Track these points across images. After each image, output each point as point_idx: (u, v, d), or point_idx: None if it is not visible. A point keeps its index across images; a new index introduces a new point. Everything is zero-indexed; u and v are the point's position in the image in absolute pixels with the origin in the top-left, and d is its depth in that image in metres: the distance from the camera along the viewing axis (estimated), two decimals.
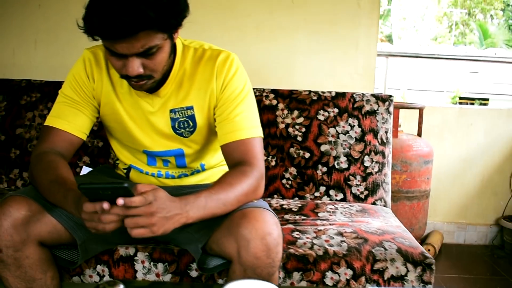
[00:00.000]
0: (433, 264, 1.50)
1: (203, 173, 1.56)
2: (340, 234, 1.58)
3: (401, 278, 1.49)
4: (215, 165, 1.58)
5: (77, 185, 1.04)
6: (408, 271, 1.49)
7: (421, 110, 2.59)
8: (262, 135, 1.39)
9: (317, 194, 2.00)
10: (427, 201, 2.56)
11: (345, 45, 2.25)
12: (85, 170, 1.91)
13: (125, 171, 1.54)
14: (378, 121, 2.02)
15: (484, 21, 19.50)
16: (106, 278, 1.46)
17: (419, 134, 2.62)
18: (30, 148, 2.05)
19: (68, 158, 1.36)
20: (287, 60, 2.22)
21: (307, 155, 2.00)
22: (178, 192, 1.47)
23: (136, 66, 1.20)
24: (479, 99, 15.61)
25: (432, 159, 2.53)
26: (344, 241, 1.53)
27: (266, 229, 1.20)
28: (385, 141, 2.03)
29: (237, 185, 1.24)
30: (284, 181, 1.99)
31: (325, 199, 2.00)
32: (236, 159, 1.34)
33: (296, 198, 1.99)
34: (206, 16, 2.16)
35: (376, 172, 2.00)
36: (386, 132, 2.03)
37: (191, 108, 1.40)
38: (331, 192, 1.99)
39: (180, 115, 1.40)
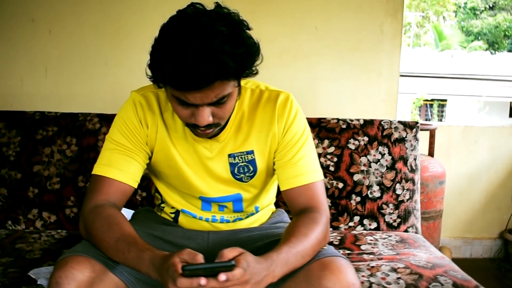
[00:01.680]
0: None
1: (256, 215, 1.52)
2: (394, 270, 1.57)
3: None
4: (266, 205, 1.55)
5: (181, 267, 0.97)
6: None
7: (432, 131, 2.63)
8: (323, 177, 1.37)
9: (351, 224, 1.99)
10: (441, 220, 2.60)
11: (368, 71, 2.25)
12: (125, 212, 1.83)
13: (172, 215, 1.48)
14: (407, 148, 2.03)
15: (437, 22, 20.08)
16: None
17: (431, 154, 2.65)
18: (50, 186, 1.95)
19: (121, 208, 1.29)
20: (310, 87, 2.21)
21: (340, 185, 1.99)
22: (233, 236, 1.44)
23: (206, 116, 1.15)
24: (438, 100, 16.10)
25: (445, 179, 2.57)
26: (400, 278, 1.52)
27: (350, 280, 1.17)
28: (414, 168, 2.04)
29: (311, 235, 1.21)
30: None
31: (359, 228, 1.99)
32: (302, 205, 1.31)
33: (331, 229, 1.97)
34: None
35: (407, 200, 2.01)
36: (415, 159, 2.04)
37: (251, 152, 1.36)
38: (365, 221, 1.99)
39: (239, 160, 1.36)
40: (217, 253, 1.39)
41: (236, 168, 1.36)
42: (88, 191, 1.28)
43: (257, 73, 1.16)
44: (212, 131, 1.22)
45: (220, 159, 1.35)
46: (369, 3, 2.18)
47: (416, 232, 2.02)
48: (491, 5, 20.31)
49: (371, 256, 1.69)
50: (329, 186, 1.98)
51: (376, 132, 2.03)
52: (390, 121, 2.05)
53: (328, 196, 1.97)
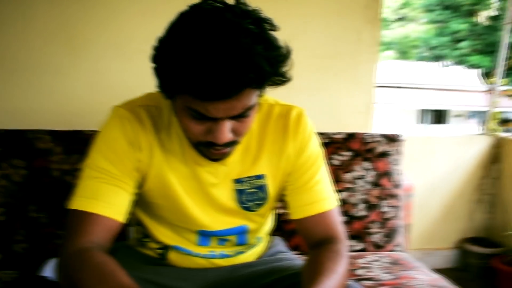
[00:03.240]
0: None
1: (257, 246, 1.34)
2: None
3: None
4: (266, 234, 1.38)
5: None
6: None
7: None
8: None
9: None
10: (408, 234, 2.53)
11: (346, 81, 2.13)
12: None
13: (159, 251, 1.25)
14: (390, 163, 1.93)
15: None
16: None
17: None
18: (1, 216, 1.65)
19: (107, 249, 1.06)
20: (285, 97, 2.06)
21: None
22: (234, 273, 1.25)
23: (227, 131, 0.96)
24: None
25: (413, 192, 2.51)
26: None
27: None
28: (397, 183, 1.94)
29: (338, 269, 1.05)
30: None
31: None
32: (321, 235, 1.16)
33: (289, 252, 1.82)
34: None
35: (393, 218, 1.91)
36: (398, 174, 1.95)
37: (262, 177, 1.18)
38: (352, 242, 1.86)
39: (248, 186, 1.17)
40: None
41: (244, 196, 1.17)
42: (68, 230, 1.02)
43: (290, 80, 0.97)
44: (229, 150, 1.04)
45: (225, 186, 1.16)
46: (347, 10, 2.06)
47: (402, 251, 1.93)
48: (400, 17, 21.30)
49: (372, 282, 1.57)
50: None
51: (359, 147, 1.91)
52: (372, 134, 1.94)
53: None
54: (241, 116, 0.95)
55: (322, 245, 1.13)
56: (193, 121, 0.96)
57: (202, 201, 1.16)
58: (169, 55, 0.89)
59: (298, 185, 1.18)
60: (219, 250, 1.24)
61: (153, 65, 0.95)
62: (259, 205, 1.20)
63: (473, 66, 18.54)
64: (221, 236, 1.21)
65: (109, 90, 1.91)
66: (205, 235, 1.20)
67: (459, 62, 19.01)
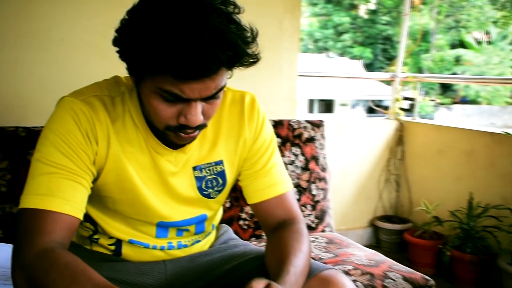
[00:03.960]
0: (434, 285, 1.55)
1: (211, 235, 1.33)
2: (347, 273, 1.52)
3: None
4: (218, 222, 1.38)
5: None
6: None
7: None
8: None
9: None
10: None
11: (270, 69, 2.17)
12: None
13: (112, 247, 1.21)
14: (317, 147, 2.00)
15: None
16: None
17: None
18: None
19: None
20: None
21: None
22: (192, 263, 1.25)
23: (200, 113, 0.96)
24: None
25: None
26: (356, 281, 1.48)
27: None
28: (325, 166, 2.02)
29: (305, 249, 1.10)
30: (241, 222, 1.83)
31: None
32: (281, 217, 1.19)
33: (253, 239, 1.85)
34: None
35: (322, 200, 1.99)
36: (324, 158, 2.03)
37: (220, 163, 1.17)
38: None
39: (207, 173, 1.17)
40: (177, 285, 1.20)
41: (203, 183, 1.17)
42: (24, 231, 0.95)
43: (259, 60, 0.98)
44: (197, 134, 1.03)
45: (184, 174, 1.14)
46: (267, 0, 2.09)
47: (332, 231, 2.01)
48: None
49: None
50: None
51: (287, 133, 1.96)
52: (299, 121, 2.00)
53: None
54: (212, 97, 0.95)
55: (283, 227, 1.16)
56: (164, 104, 0.94)
57: (162, 191, 1.13)
58: (143, 35, 0.87)
59: (255, 169, 1.20)
60: (176, 241, 1.22)
61: (119, 47, 0.94)
62: (219, 192, 1.19)
63: (355, 57, 19.57)
64: (180, 227, 1.19)
65: (24, 82, 1.79)
66: (164, 227, 1.18)
67: (342, 54, 19.96)
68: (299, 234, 1.13)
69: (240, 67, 0.96)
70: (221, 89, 0.96)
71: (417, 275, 1.55)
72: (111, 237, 1.19)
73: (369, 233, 3.20)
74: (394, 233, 3.07)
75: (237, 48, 0.88)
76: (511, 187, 2.44)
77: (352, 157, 3.04)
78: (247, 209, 1.85)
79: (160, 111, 0.95)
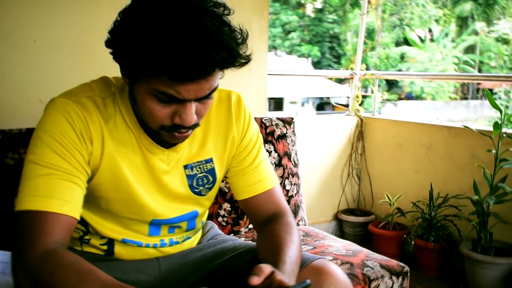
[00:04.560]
0: (408, 271, 1.63)
1: (200, 231, 1.36)
2: None
3: None
4: (205, 218, 1.41)
5: None
6: (393, 283, 1.58)
7: None
8: None
9: (250, 226, 1.93)
10: None
11: (240, 68, 2.19)
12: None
13: (104, 247, 1.21)
14: (289, 144, 2.05)
15: None
16: None
17: None
18: None
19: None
20: None
21: None
22: (185, 259, 1.28)
23: (194, 113, 0.98)
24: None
25: None
26: None
27: (346, 280, 1.15)
28: (297, 162, 2.08)
29: (295, 240, 1.14)
30: (220, 219, 1.86)
31: None
32: (270, 212, 1.23)
33: (232, 235, 1.88)
34: None
35: (295, 194, 2.04)
36: (296, 154, 2.08)
37: (210, 161, 1.20)
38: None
39: (198, 171, 1.19)
40: (170, 282, 1.23)
41: (194, 181, 1.19)
42: (25, 233, 0.95)
43: (250, 61, 1.01)
44: (190, 133, 1.05)
45: (176, 172, 1.16)
46: (236, 1, 2.12)
47: (305, 225, 2.07)
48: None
49: None
50: (226, 190, 1.88)
51: (260, 131, 1.99)
52: (271, 118, 2.05)
53: (227, 201, 1.87)
54: (206, 97, 0.98)
55: (273, 220, 1.20)
56: (158, 105, 0.96)
57: (154, 190, 1.15)
58: (138, 38, 0.89)
59: (243, 166, 1.23)
60: (168, 238, 1.24)
61: (112, 49, 0.95)
62: (209, 189, 1.22)
63: (303, 55, 19.85)
64: (172, 224, 1.21)
65: None
66: (157, 225, 1.19)
67: (290, 52, 20.19)
68: (289, 226, 1.17)
69: (232, 68, 0.99)
70: (215, 89, 0.98)
71: (393, 262, 1.63)
72: (102, 237, 1.20)
73: (334, 226, 3.29)
74: (357, 225, 3.17)
75: (231, 50, 0.91)
76: (469, 178, 2.57)
77: (315, 154, 3.12)
78: (225, 206, 1.87)
79: (155, 111, 0.97)
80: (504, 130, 2.34)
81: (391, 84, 18.87)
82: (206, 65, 0.89)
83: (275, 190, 1.25)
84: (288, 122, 2.08)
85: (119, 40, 0.93)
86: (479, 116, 18.91)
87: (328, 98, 18.14)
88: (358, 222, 3.16)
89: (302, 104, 19.94)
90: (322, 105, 19.51)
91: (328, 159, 3.20)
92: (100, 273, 0.91)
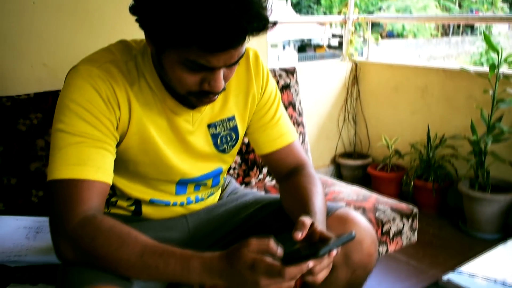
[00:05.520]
0: (417, 213, 1.70)
1: (221, 186, 1.40)
2: None
3: (400, 233, 1.65)
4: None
5: (280, 258, 0.85)
6: (403, 224, 1.65)
7: None
8: None
9: (260, 176, 1.97)
10: None
11: None
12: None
13: (132, 208, 1.24)
14: (293, 94, 2.07)
15: None
16: None
17: None
18: None
19: None
20: None
21: (246, 140, 1.93)
22: (210, 214, 1.32)
23: (222, 80, 0.99)
24: None
25: None
26: None
27: (369, 226, 1.20)
28: (301, 111, 2.10)
29: (319, 190, 1.18)
30: (231, 171, 1.90)
31: (268, 179, 1.99)
32: (293, 165, 1.27)
33: (244, 186, 1.93)
34: None
35: (301, 143, 2.08)
36: (300, 103, 2.10)
37: (232, 118, 1.22)
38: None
39: (221, 129, 1.21)
40: (198, 237, 1.27)
41: (218, 139, 1.21)
42: (62, 202, 0.96)
43: (275, 25, 1.01)
44: (217, 97, 1.06)
45: (200, 132, 1.18)
46: None
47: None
48: None
49: None
50: None
51: None
52: (274, 69, 2.05)
53: (238, 153, 1.90)
54: (234, 64, 0.98)
55: (295, 173, 1.23)
56: (187, 73, 0.96)
57: (181, 150, 1.16)
58: (167, 7, 0.87)
59: (265, 122, 1.25)
60: (194, 195, 1.27)
61: (138, 16, 0.93)
62: (232, 146, 1.24)
63: None
64: (198, 182, 1.24)
65: None
66: (183, 184, 1.22)
67: None
68: (311, 177, 1.21)
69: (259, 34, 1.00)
70: (243, 55, 0.98)
71: (403, 205, 1.70)
72: (130, 199, 1.22)
73: (332, 170, 3.36)
74: (355, 168, 3.24)
75: (261, 18, 0.90)
76: (465, 119, 2.63)
77: (311, 100, 3.13)
78: (236, 158, 1.91)
79: (184, 79, 0.97)
80: (501, 70, 2.37)
81: (372, 24, 18.72)
82: (238, 36, 0.88)
83: (295, 144, 1.28)
84: (291, 72, 2.09)
85: (147, 9, 0.90)
86: (460, 52, 18.95)
87: (309, 40, 17.99)
88: (356, 165, 3.23)
89: (283, 47, 19.74)
90: (304, 47, 19.33)
91: (324, 105, 3.22)
92: (140, 235, 0.94)
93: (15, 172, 1.51)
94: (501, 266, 1.32)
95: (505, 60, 2.36)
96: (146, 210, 1.24)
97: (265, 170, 1.98)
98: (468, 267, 1.29)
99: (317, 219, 1.04)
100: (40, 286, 1.26)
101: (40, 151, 1.54)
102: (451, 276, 1.26)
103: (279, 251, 0.86)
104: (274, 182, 1.98)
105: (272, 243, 0.87)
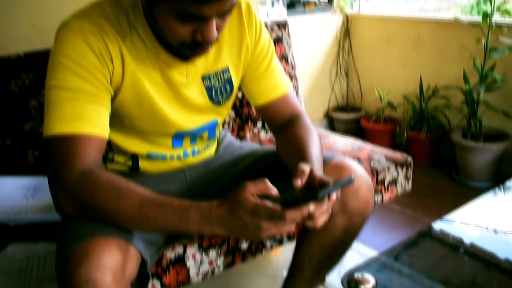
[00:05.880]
0: (411, 161, 1.72)
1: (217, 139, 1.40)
2: None
3: (394, 182, 1.68)
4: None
5: (279, 201, 0.86)
6: (398, 173, 1.67)
7: None
8: None
9: (255, 130, 1.97)
10: None
11: None
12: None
13: (129, 163, 1.25)
14: (285, 47, 2.05)
15: None
16: None
17: None
18: None
19: None
20: None
21: (240, 94, 1.93)
22: (207, 168, 1.34)
23: (215, 29, 0.97)
24: None
25: None
26: None
27: (365, 173, 1.22)
28: (293, 65, 2.09)
29: (316, 139, 1.20)
30: (226, 126, 1.90)
31: (263, 133, 1.99)
32: (288, 115, 1.27)
33: (239, 140, 1.93)
34: None
35: None
36: (292, 56, 2.09)
37: (227, 70, 1.21)
38: (266, 125, 2.00)
39: (216, 81, 1.20)
40: (196, 190, 1.29)
41: (213, 91, 1.20)
42: (59, 157, 0.97)
43: None
44: (210, 47, 1.05)
45: (195, 84, 1.17)
46: None
47: None
48: None
49: None
50: None
51: None
52: (266, 23, 2.02)
53: (232, 108, 1.90)
54: (226, 13, 0.97)
55: (291, 123, 1.24)
56: (180, 24, 0.95)
57: (175, 103, 1.16)
58: None
59: (259, 72, 1.25)
60: (191, 149, 1.28)
61: None
62: (227, 98, 1.24)
63: None
64: (194, 134, 1.24)
65: None
66: (179, 136, 1.22)
67: None
68: (307, 127, 1.22)
69: None
70: (234, 4, 0.97)
71: (397, 154, 1.71)
72: (126, 153, 1.23)
73: (325, 124, 3.37)
74: (348, 122, 3.25)
75: None
76: (457, 69, 2.63)
77: (303, 55, 3.11)
78: (230, 112, 1.90)
79: (176, 30, 0.96)
80: (493, 19, 2.36)
81: None
82: None
83: (290, 94, 1.28)
84: (283, 25, 2.06)
85: None
86: (451, 4, 18.74)
87: None
88: (349, 119, 3.24)
89: (272, 4, 19.39)
90: (293, 4, 18.99)
91: (316, 59, 3.20)
92: (138, 188, 0.94)
93: (10, 133, 1.50)
94: (492, 214, 1.35)
95: (498, 8, 2.34)
96: (143, 164, 1.25)
97: (259, 124, 1.98)
98: (459, 215, 1.32)
99: (314, 167, 1.05)
100: (41, 243, 1.27)
101: (34, 111, 1.53)
102: (441, 224, 1.29)
103: (275, 190, 0.88)
104: (269, 135, 1.99)
105: (268, 183, 0.88)
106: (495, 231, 1.26)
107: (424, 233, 1.29)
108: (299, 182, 0.91)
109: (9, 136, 1.50)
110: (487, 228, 1.27)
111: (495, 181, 2.52)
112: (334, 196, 0.88)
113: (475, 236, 1.25)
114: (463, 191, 2.49)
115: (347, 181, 0.87)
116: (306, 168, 0.94)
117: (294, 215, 0.84)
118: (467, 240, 1.24)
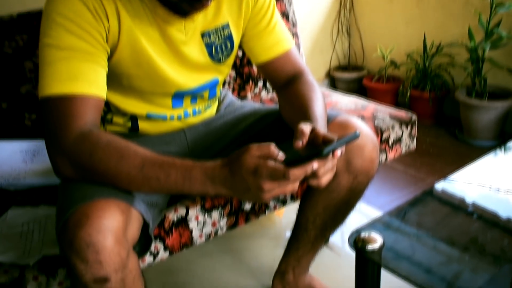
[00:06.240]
0: (416, 120, 1.69)
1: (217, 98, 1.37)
2: None
3: (399, 140, 1.65)
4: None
5: (283, 161, 0.83)
6: (402, 132, 1.65)
7: None
8: None
9: (256, 90, 1.94)
10: None
11: None
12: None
13: (128, 124, 1.22)
14: (286, 3, 1.99)
15: None
16: (161, 253, 1.23)
17: None
18: None
19: None
20: None
21: (240, 53, 1.88)
22: (208, 128, 1.30)
23: None
24: None
25: None
26: None
27: (369, 131, 1.19)
28: (295, 22, 2.03)
29: (319, 96, 1.16)
30: (226, 86, 1.86)
31: (264, 93, 1.96)
32: (291, 72, 1.23)
33: (239, 99, 1.90)
34: None
35: None
36: (293, 13, 2.03)
37: (227, 26, 1.17)
38: (268, 85, 1.96)
39: (216, 38, 1.16)
40: (197, 151, 1.26)
41: (213, 49, 1.16)
42: (56, 118, 0.93)
43: None
44: (210, 2, 1.01)
45: (194, 42, 1.13)
46: None
47: None
48: None
49: None
50: None
51: None
52: None
53: (232, 67, 1.86)
54: None
55: (294, 81, 1.20)
56: None
57: (175, 61, 1.12)
58: None
59: (260, 28, 1.20)
60: (191, 108, 1.25)
61: None
62: (228, 56, 1.20)
63: None
64: (195, 93, 1.21)
65: None
66: (179, 96, 1.19)
67: None
68: (310, 84, 1.18)
69: None
70: None
71: (402, 112, 1.68)
72: (125, 114, 1.20)
73: (326, 84, 3.32)
74: (350, 81, 3.20)
75: None
76: (462, 26, 2.56)
77: (304, 13, 3.04)
78: (231, 72, 1.86)
79: None
80: None
81: None
82: None
83: (293, 51, 1.24)
84: None
85: None
86: None
87: None
88: (351, 78, 3.19)
89: None
90: None
91: (317, 17, 3.13)
92: (139, 148, 0.92)
93: (6, 96, 1.47)
94: (495, 173, 1.32)
95: None
96: (143, 125, 1.22)
97: (260, 83, 1.94)
98: (462, 175, 1.29)
99: (318, 124, 1.02)
100: (41, 207, 1.26)
101: (29, 73, 1.49)
102: (444, 184, 1.27)
103: (281, 155, 0.85)
104: (270, 95, 1.95)
105: (273, 148, 0.85)
106: (498, 190, 1.24)
107: (429, 192, 1.27)
108: (300, 144, 0.88)
109: (5, 99, 1.47)
110: (490, 188, 1.25)
111: (500, 139, 2.49)
112: (338, 152, 0.85)
113: (478, 196, 1.23)
114: (467, 150, 2.47)
115: (352, 136, 0.84)
116: (306, 128, 0.91)
117: (297, 174, 0.81)
118: (469, 199, 1.22)
